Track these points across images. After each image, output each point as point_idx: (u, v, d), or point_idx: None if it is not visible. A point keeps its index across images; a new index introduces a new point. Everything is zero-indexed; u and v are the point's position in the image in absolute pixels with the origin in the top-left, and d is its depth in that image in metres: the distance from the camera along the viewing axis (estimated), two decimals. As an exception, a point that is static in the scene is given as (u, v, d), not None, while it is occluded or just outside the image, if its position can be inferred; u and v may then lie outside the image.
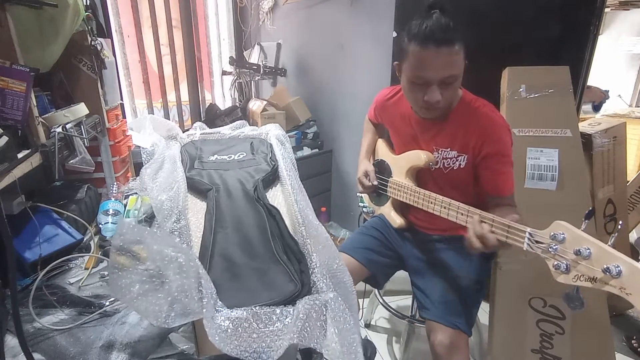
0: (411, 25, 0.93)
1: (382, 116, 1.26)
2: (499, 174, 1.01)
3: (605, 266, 0.61)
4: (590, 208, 0.73)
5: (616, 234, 0.67)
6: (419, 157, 1.08)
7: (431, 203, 1.00)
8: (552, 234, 0.70)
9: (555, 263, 0.69)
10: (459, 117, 1.03)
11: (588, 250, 0.64)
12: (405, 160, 1.13)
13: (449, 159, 1.05)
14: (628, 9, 2.89)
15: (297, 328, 0.65)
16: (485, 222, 0.83)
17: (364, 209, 1.38)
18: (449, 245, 1.13)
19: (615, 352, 1.26)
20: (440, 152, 1.06)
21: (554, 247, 0.69)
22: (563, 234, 0.68)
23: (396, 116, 1.17)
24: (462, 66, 0.93)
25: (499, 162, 1.00)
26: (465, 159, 1.03)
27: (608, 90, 1.97)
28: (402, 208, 1.21)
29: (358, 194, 1.40)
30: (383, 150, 1.28)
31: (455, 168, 1.05)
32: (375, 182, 1.20)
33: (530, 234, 0.74)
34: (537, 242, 0.73)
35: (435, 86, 0.93)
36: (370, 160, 1.32)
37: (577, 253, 0.65)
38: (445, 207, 0.96)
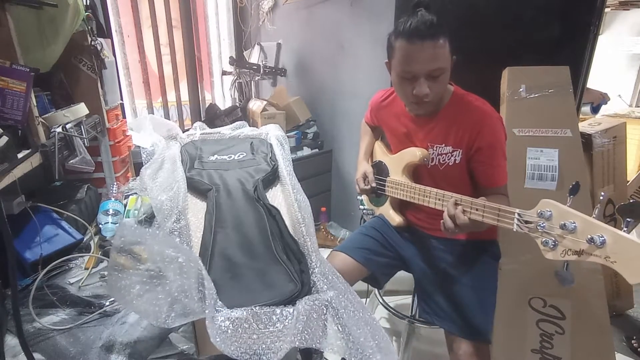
0: (398, 24, 0.97)
1: (378, 118, 1.27)
2: (493, 167, 1.02)
3: (589, 236, 0.62)
4: (575, 182, 0.74)
5: (599, 206, 0.68)
6: (413, 154, 1.09)
7: (426, 197, 1.01)
8: (539, 211, 0.71)
9: (543, 240, 0.70)
10: (451, 112, 1.04)
11: (573, 224, 0.65)
12: (400, 158, 1.14)
13: (444, 155, 1.06)
14: (628, 9, 2.89)
15: (297, 330, 0.65)
16: (460, 205, 0.88)
17: (364, 211, 1.39)
18: (451, 249, 1.12)
19: (615, 352, 1.26)
20: (435, 149, 1.07)
21: (542, 225, 0.70)
22: (550, 211, 0.69)
23: (391, 116, 1.19)
24: (448, 59, 0.96)
25: (492, 155, 1.01)
26: (460, 153, 1.03)
27: (606, 93, 1.96)
28: (400, 207, 1.21)
29: (358, 197, 1.40)
30: (380, 152, 1.29)
31: (450, 164, 1.05)
32: (374, 184, 1.21)
33: (519, 214, 0.76)
34: (525, 222, 0.74)
35: (423, 79, 0.95)
36: (369, 162, 1.32)
37: (563, 227, 0.66)
38: (440, 200, 0.97)
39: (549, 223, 0.70)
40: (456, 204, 0.89)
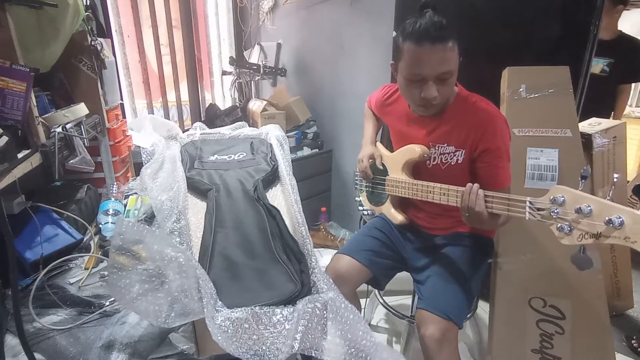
0: (405, 25, 0.95)
1: (381, 116, 1.27)
2: (496, 169, 1.01)
3: (607, 218, 0.62)
4: (585, 167, 0.75)
5: (613, 187, 0.68)
6: (413, 150, 1.09)
7: (430, 193, 1.01)
8: (551, 197, 0.71)
9: (559, 226, 0.70)
10: (455, 113, 1.04)
11: (589, 208, 0.65)
12: (400, 155, 1.14)
13: (446, 154, 1.06)
14: (628, 9, 2.89)
15: (297, 330, 0.65)
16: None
17: (363, 212, 1.38)
18: (448, 241, 1.14)
19: (615, 352, 1.26)
20: (437, 148, 1.07)
21: (555, 211, 0.70)
22: (562, 196, 0.69)
23: (394, 116, 1.19)
24: (457, 62, 0.95)
25: (496, 157, 1.00)
26: (463, 154, 1.03)
27: None
28: (401, 205, 1.21)
29: (357, 198, 1.39)
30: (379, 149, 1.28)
31: (452, 163, 1.05)
32: (381, 167, 1.20)
33: (530, 202, 0.76)
34: (538, 209, 0.74)
35: (432, 82, 0.95)
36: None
37: (578, 211, 0.66)
38: (444, 194, 0.96)
39: (563, 208, 0.69)
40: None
